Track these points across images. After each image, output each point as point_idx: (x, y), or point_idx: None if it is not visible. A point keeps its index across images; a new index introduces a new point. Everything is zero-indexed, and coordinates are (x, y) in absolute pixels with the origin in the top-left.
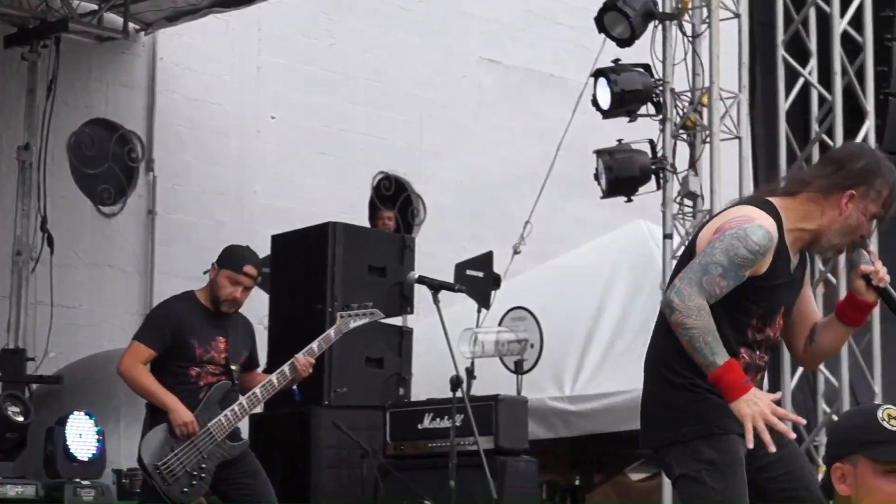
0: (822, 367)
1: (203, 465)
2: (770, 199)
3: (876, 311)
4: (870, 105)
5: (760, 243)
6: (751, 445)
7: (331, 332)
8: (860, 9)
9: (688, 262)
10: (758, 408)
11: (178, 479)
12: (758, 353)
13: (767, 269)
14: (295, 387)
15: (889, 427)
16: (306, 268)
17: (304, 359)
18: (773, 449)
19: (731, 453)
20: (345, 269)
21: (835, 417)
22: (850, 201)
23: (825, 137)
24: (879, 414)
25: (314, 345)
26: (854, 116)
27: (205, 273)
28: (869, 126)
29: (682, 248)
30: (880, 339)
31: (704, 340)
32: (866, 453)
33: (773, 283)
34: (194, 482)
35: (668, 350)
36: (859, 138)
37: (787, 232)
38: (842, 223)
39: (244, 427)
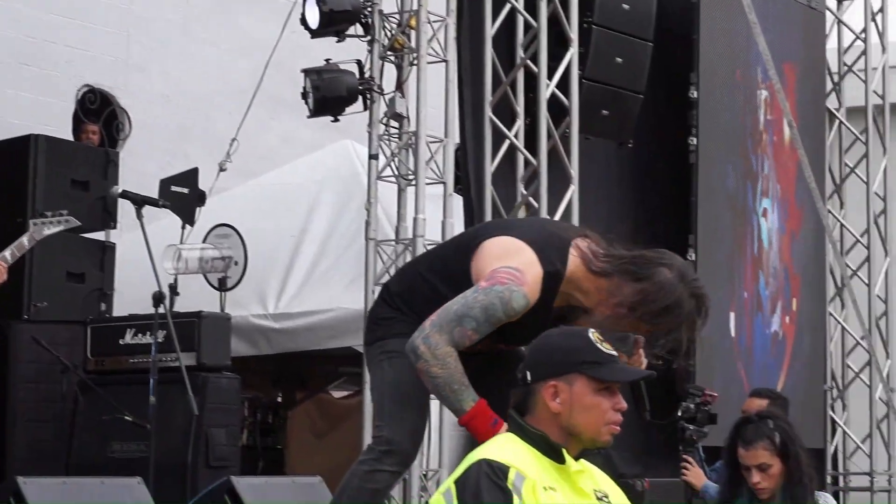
0: None
1: None
2: (574, 253)
3: None
4: (574, 33)
5: (517, 311)
6: None
7: (24, 239)
8: None
9: (449, 250)
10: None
11: None
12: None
13: (518, 318)
14: None
15: (603, 349)
16: (7, 180)
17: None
18: None
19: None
20: (47, 182)
21: None
22: (617, 305)
23: (530, 63)
24: (590, 335)
25: (6, 253)
26: (558, 43)
27: None
28: (573, 53)
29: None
30: None
31: (450, 389)
32: (589, 372)
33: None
34: None
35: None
36: (563, 65)
37: (560, 293)
38: (621, 322)
39: None
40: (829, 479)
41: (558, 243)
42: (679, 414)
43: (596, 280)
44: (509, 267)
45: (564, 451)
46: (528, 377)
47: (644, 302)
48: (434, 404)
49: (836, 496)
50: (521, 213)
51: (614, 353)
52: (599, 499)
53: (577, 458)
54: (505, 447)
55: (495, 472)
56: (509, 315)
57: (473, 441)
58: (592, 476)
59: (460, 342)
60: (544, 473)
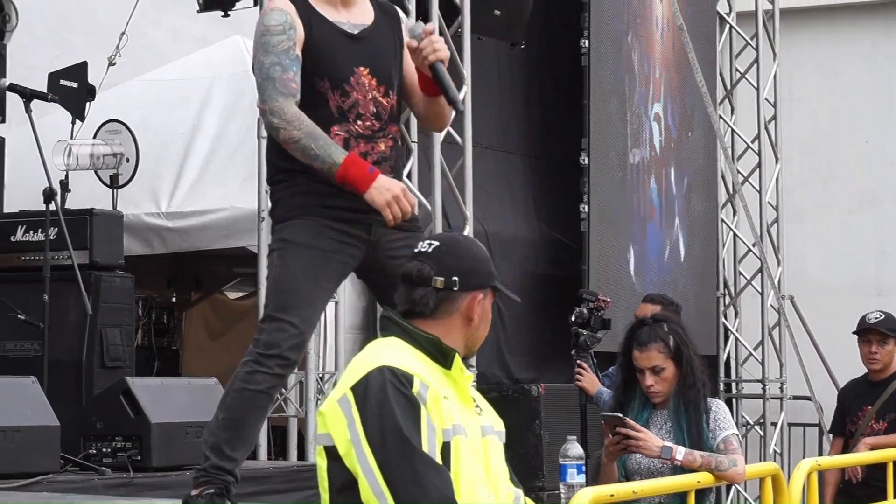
0: (416, 190)
1: None
2: None
3: (468, 136)
4: None
5: (278, 21)
6: (391, 225)
7: None
8: None
9: None
10: (390, 193)
11: None
12: (358, 123)
13: (307, 38)
14: None
15: None
16: None
17: None
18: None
19: (305, 235)
20: None
21: (431, 243)
22: None
23: None
24: None
25: None
26: None
27: None
28: None
29: None
30: (472, 162)
31: (316, 145)
32: (500, 290)
33: (322, 47)
34: None
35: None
36: None
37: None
38: None
39: None
40: (721, 387)
41: None
42: (573, 319)
43: None
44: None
45: (457, 356)
46: (457, 284)
47: None
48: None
49: (728, 403)
50: None
51: None
52: (476, 406)
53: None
54: (400, 354)
55: (400, 381)
56: (276, 32)
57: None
58: (469, 381)
59: (289, 90)
60: (438, 381)
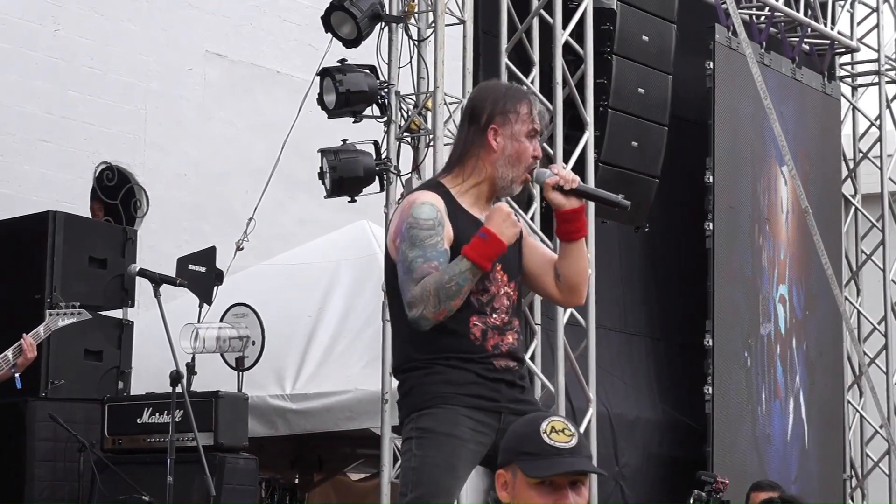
0: (538, 372)
1: None
2: (438, 179)
3: (592, 318)
4: (589, 116)
5: (430, 216)
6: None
7: (40, 329)
8: (582, 21)
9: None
10: (509, 220)
11: None
12: (493, 316)
13: (455, 234)
14: (17, 374)
15: (548, 440)
16: (25, 256)
17: (30, 339)
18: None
19: (445, 424)
20: (64, 259)
21: None
22: (497, 136)
23: (546, 146)
24: (543, 425)
25: (28, 338)
26: (574, 126)
27: None
28: (588, 136)
29: None
30: (595, 344)
31: (443, 285)
32: (520, 464)
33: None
34: None
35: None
36: (578, 148)
37: (463, 195)
38: (503, 159)
39: None
40: None
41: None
42: (691, 501)
43: (465, 157)
44: (400, 214)
45: None
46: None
47: (488, 111)
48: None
49: None
50: None
51: (563, 444)
52: None
53: None
54: None
55: None
56: (427, 226)
57: None
58: None
59: (422, 275)
60: None
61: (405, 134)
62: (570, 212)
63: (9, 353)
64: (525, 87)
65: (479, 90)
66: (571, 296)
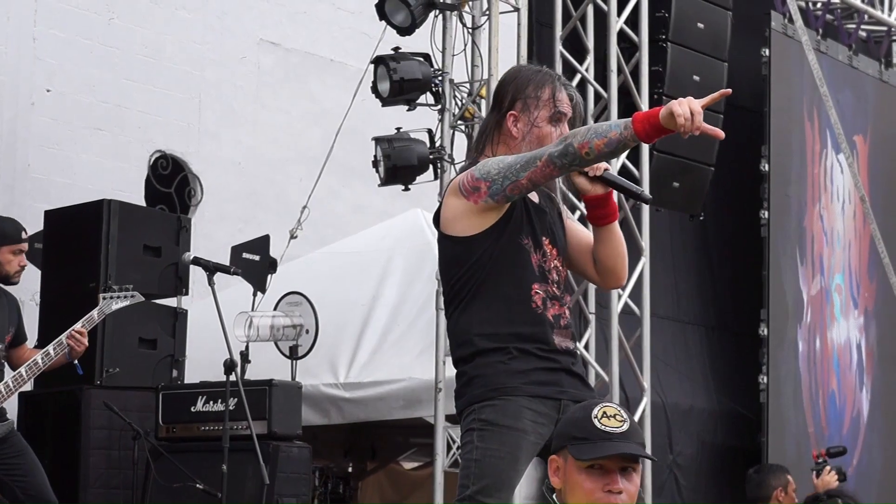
0: (592, 361)
1: None
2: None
3: (646, 307)
4: (644, 104)
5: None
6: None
7: (94, 313)
8: (636, 8)
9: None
10: (685, 102)
11: None
12: (553, 286)
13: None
14: (76, 361)
15: (598, 425)
16: (80, 245)
17: (80, 328)
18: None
19: (508, 417)
20: (119, 247)
21: None
22: (516, 122)
23: None
24: (595, 411)
25: (78, 326)
26: (629, 115)
27: None
28: None
29: None
30: (649, 333)
31: (588, 137)
32: (571, 449)
33: (523, 209)
34: None
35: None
36: None
37: None
38: (524, 145)
39: (14, 404)
40: None
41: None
42: None
43: (492, 143)
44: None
45: None
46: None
47: (509, 96)
48: None
49: None
50: None
51: (614, 429)
52: None
53: None
54: None
55: None
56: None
57: None
58: None
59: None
60: None
61: (459, 122)
62: (596, 198)
63: (63, 337)
64: (553, 72)
65: (505, 75)
66: (610, 278)
